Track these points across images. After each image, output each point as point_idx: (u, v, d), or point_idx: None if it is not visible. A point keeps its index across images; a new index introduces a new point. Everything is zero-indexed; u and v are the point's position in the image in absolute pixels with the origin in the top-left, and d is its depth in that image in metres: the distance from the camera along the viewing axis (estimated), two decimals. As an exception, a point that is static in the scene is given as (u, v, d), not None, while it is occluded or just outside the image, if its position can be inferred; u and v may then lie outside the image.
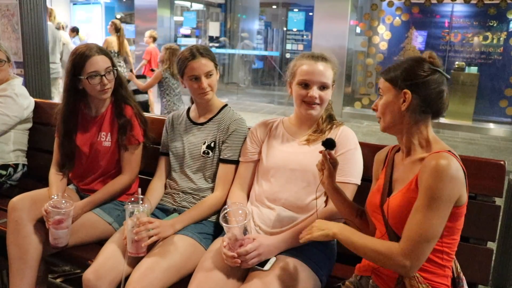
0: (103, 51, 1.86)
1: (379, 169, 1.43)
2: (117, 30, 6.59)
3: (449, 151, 1.19)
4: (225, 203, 1.72)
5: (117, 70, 1.91)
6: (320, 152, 1.35)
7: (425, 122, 1.25)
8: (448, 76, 1.26)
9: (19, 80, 2.47)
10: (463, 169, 1.16)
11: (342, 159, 1.56)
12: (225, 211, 1.47)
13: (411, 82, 1.22)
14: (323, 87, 1.59)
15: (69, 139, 1.92)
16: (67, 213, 1.65)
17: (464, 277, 1.30)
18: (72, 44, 7.34)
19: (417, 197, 1.15)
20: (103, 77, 1.82)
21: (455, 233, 1.22)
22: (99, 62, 1.81)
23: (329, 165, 1.35)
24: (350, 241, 1.21)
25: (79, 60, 1.80)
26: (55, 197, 1.69)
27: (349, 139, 1.60)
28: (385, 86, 1.28)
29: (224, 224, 1.42)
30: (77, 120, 1.95)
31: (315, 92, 1.58)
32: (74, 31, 8.28)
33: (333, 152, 1.35)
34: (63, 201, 1.67)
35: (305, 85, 1.59)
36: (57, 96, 5.94)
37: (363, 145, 1.64)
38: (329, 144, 1.32)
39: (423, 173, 1.15)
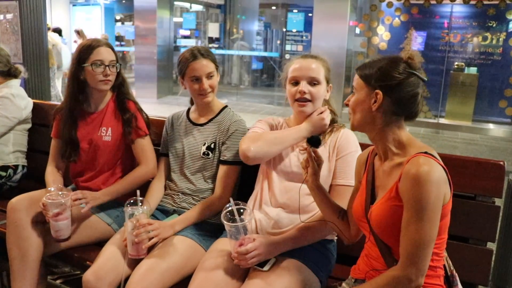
0: (110, 45, 1.91)
1: (360, 172, 1.41)
2: (81, 37, 7.64)
3: (425, 152, 1.16)
4: (225, 203, 1.71)
5: (120, 65, 1.93)
6: (304, 149, 1.34)
7: (398, 124, 1.23)
8: (425, 79, 1.23)
9: (17, 81, 2.47)
10: (443, 167, 1.15)
11: (343, 161, 1.56)
12: (227, 209, 1.47)
13: (384, 83, 1.19)
14: (313, 82, 1.59)
15: (74, 129, 1.93)
16: (64, 204, 1.65)
17: (457, 274, 1.30)
18: (62, 44, 7.39)
19: (403, 206, 1.14)
20: (107, 68, 1.85)
21: (443, 232, 1.21)
22: (105, 53, 1.86)
23: (314, 163, 1.34)
24: None
25: (86, 49, 1.85)
26: (52, 190, 1.70)
27: (350, 142, 1.60)
28: (358, 83, 1.26)
29: (225, 222, 1.42)
30: (79, 111, 1.96)
31: (304, 86, 1.57)
32: (56, 31, 8.27)
33: (318, 150, 1.33)
34: (60, 193, 1.68)
35: (295, 82, 1.60)
36: None
37: (362, 146, 1.64)
38: (314, 142, 1.31)
39: (405, 183, 1.13)
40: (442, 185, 1.12)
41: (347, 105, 1.31)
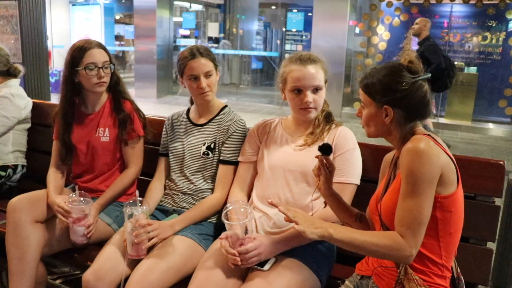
0: (102, 46, 1.89)
1: (385, 171, 1.42)
2: None
3: (428, 135, 1.19)
4: (224, 203, 1.72)
5: (114, 66, 1.91)
6: (316, 157, 1.34)
7: (413, 126, 1.25)
8: (430, 75, 1.24)
9: (16, 81, 2.47)
10: (445, 152, 1.17)
11: (341, 159, 1.56)
12: (227, 209, 1.47)
13: (391, 98, 1.20)
14: (316, 89, 1.59)
15: (68, 131, 1.93)
16: (87, 209, 1.71)
17: (462, 277, 1.30)
18: None
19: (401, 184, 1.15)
20: (100, 70, 1.83)
21: (450, 224, 1.20)
22: (98, 55, 1.84)
23: (326, 171, 1.34)
24: (348, 240, 1.16)
25: (78, 52, 1.83)
26: (73, 195, 1.73)
27: (347, 139, 1.60)
28: (365, 99, 1.26)
29: (226, 222, 1.42)
30: (74, 113, 1.95)
31: (309, 97, 1.57)
32: None
33: (329, 157, 1.33)
34: (82, 199, 1.71)
35: (298, 90, 1.58)
36: None
37: (362, 146, 1.64)
38: (326, 150, 1.31)
39: (401, 160, 1.15)
40: (436, 160, 1.12)
41: (358, 116, 1.31)
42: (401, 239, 1.11)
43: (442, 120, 7.96)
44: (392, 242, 1.12)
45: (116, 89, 1.96)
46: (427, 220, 1.13)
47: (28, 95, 2.49)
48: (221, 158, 1.80)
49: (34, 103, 2.49)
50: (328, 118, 1.67)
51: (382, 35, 8.15)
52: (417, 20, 5.41)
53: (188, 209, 1.77)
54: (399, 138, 1.26)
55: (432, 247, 1.20)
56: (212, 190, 1.81)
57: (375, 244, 1.13)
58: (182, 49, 1.88)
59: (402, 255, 1.12)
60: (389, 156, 1.45)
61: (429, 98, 1.23)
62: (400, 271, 1.22)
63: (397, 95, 1.19)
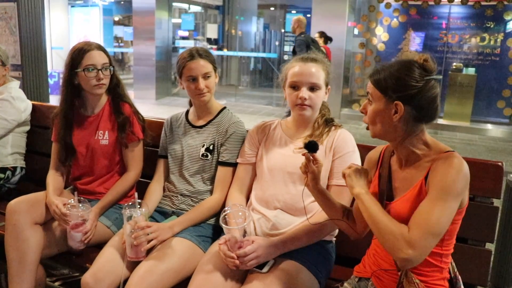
0: (101, 48, 1.89)
1: (371, 171, 1.39)
2: None
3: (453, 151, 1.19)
4: (223, 205, 1.72)
5: (114, 68, 1.91)
6: (303, 154, 1.33)
7: (420, 128, 1.22)
8: (440, 77, 1.23)
9: (16, 83, 2.47)
10: None
11: (341, 162, 1.56)
12: (225, 212, 1.47)
13: (403, 94, 1.16)
14: (312, 88, 1.59)
15: (68, 133, 1.93)
16: (86, 215, 1.71)
17: (460, 277, 1.30)
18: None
19: (428, 192, 1.15)
20: (100, 71, 1.83)
21: (453, 235, 1.23)
22: (97, 57, 1.84)
23: (313, 168, 1.32)
24: (369, 208, 1.17)
25: (77, 54, 1.83)
26: (72, 201, 1.73)
27: (347, 142, 1.60)
28: (375, 93, 1.22)
29: (224, 226, 1.42)
30: (73, 115, 1.95)
31: (304, 93, 1.57)
32: None
33: (316, 154, 1.32)
34: (81, 205, 1.71)
35: (295, 86, 1.59)
36: None
37: (361, 147, 1.64)
38: (311, 147, 1.31)
39: (438, 170, 1.14)
40: (467, 182, 1.15)
41: (362, 112, 1.28)
42: (406, 233, 1.10)
43: (440, 121, 7.96)
44: (397, 230, 1.11)
45: (116, 92, 1.96)
46: (441, 234, 1.12)
47: (27, 97, 2.49)
48: (220, 159, 1.80)
49: (33, 105, 2.49)
50: (327, 121, 1.67)
51: (380, 36, 8.17)
52: (292, 18, 6.23)
53: (187, 211, 1.77)
54: (401, 136, 1.22)
55: (435, 254, 1.20)
56: (211, 192, 1.81)
57: (386, 225, 1.13)
58: (181, 51, 1.89)
59: (397, 248, 1.09)
60: (373, 155, 1.41)
61: (438, 102, 1.20)
62: (401, 274, 1.22)
63: (410, 91, 1.15)
